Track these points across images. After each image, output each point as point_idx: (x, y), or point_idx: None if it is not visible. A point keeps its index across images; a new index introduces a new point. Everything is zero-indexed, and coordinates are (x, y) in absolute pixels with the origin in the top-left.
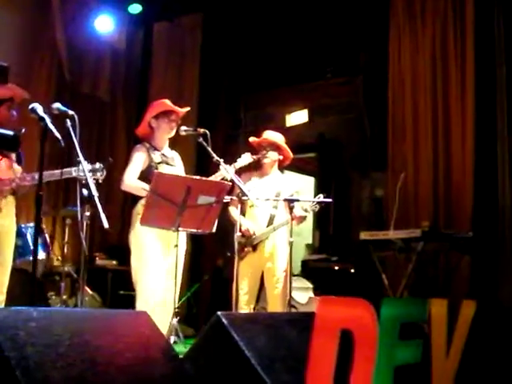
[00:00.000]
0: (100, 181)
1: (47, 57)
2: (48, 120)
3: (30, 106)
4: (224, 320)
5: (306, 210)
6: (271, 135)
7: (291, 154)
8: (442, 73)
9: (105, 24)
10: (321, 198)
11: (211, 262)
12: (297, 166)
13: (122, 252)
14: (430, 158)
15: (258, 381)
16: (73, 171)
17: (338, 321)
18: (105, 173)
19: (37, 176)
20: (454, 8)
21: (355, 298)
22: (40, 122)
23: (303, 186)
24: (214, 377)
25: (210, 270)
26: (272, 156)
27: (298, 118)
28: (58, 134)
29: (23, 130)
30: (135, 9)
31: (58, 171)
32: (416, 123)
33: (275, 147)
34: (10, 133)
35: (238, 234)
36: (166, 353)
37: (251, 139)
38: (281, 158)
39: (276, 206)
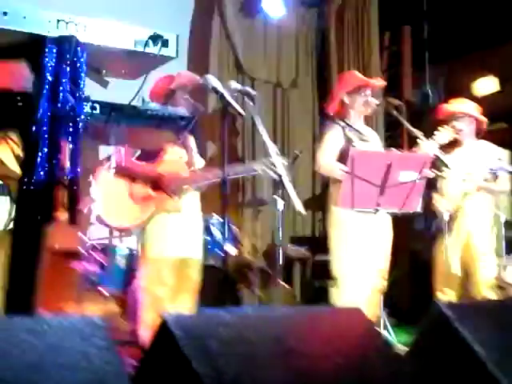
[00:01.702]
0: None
1: (219, 43)
2: (227, 94)
3: (204, 78)
4: (446, 311)
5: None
6: (463, 103)
7: (485, 125)
8: None
9: (275, 6)
10: None
11: (408, 245)
12: (487, 138)
13: (314, 242)
14: None
15: (489, 379)
16: (256, 166)
17: None
18: (293, 167)
19: (219, 173)
20: None
21: None
22: (218, 97)
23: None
24: (439, 376)
25: (408, 254)
26: (466, 124)
27: (487, 86)
28: (240, 109)
29: (201, 109)
30: None
31: (240, 166)
32: None
33: (468, 116)
34: (185, 112)
35: (445, 211)
36: (385, 355)
37: (441, 108)
38: (473, 127)
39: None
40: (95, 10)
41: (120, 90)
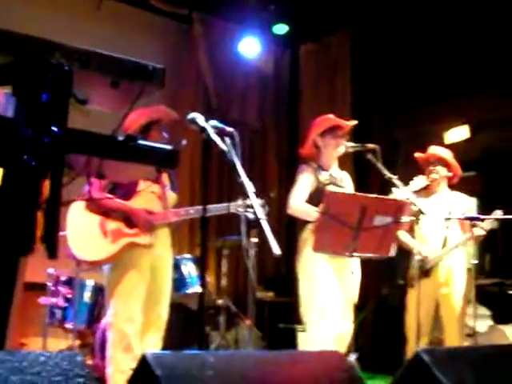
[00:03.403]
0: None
1: (192, 83)
2: (210, 130)
3: (190, 116)
4: (426, 357)
5: (483, 229)
6: (439, 150)
7: (460, 171)
8: None
9: (250, 47)
10: (499, 214)
11: (375, 289)
12: (457, 186)
13: (279, 283)
14: None
15: None
16: (232, 206)
17: None
18: (267, 209)
19: (192, 211)
20: None
21: None
22: (201, 134)
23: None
24: None
25: (374, 298)
26: (441, 172)
27: (457, 134)
28: (223, 146)
29: (184, 142)
30: (281, 29)
31: (214, 206)
32: None
33: (444, 163)
34: (168, 147)
35: (417, 257)
36: None
37: (417, 155)
38: (450, 174)
39: (448, 226)
40: (79, 38)
41: (102, 121)
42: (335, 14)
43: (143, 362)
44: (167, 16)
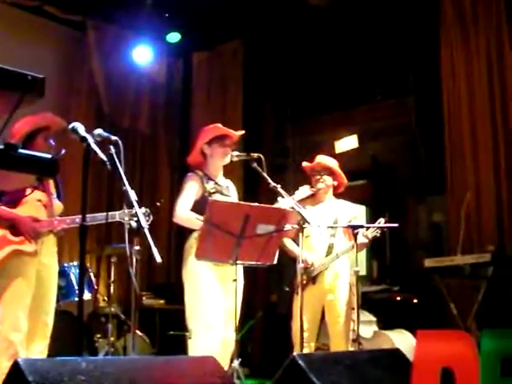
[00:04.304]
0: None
1: (85, 90)
2: (91, 140)
3: (71, 126)
4: (301, 362)
5: (366, 237)
6: (325, 159)
7: (345, 180)
8: (499, 84)
9: (143, 55)
10: (382, 222)
11: (264, 297)
12: (347, 194)
13: (170, 290)
14: (492, 177)
15: None
16: (117, 215)
17: (438, 358)
18: (151, 218)
19: (77, 219)
20: (508, 11)
21: (454, 331)
22: (82, 143)
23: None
24: None
25: (263, 305)
26: (327, 181)
27: (347, 143)
28: (103, 156)
29: (63, 151)
30: (174, 38)
31: (100, 215)
32: (475, 140)
33: (330, 172)
34: (47, 156)
35: (300, 265)
36: None
37: (304, 164)
38: (335, 183)
39: (334, 235)
40: None
41: None
42: (228, 24)
43: (15, 367)
44: (61, 22)
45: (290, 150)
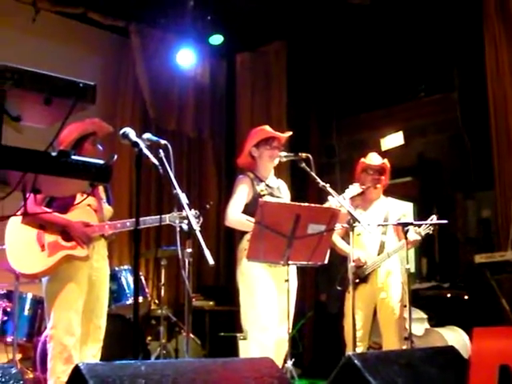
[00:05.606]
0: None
1: (130, 95)
2: (142, 145)
3: (122, 131)
4: (356, 361)
5: (419, 234)
6: (376, 158)
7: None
8: None
9: (186, 58)
10: (434, 219)
11: (313, 296)
12: (394, 192)
13: (219, 292)
14: None
15: None
16: (167, 218)
17: (495, 355)
18: (201, 220)
19: (128, 223)
20: None
21: (510, 328)
22: (133, 148)
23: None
24: None
25: (313, 305)
26: (383, 180)
27: (393, 140)
28: (155, 160)
29: (115, 157)
30: (216, 40)
31: (150, 218)
32: None
33: (384, 171)
34: (100, 161)
35: (351, 264)
36: None
37: (362, 160)
38: (385, 181)
39: (385, 232)
40: (14, 52)
41: (35, 137)
42: (270, 24)
43: (76, 372)
44: (104, 28)
45: (335, 149)
